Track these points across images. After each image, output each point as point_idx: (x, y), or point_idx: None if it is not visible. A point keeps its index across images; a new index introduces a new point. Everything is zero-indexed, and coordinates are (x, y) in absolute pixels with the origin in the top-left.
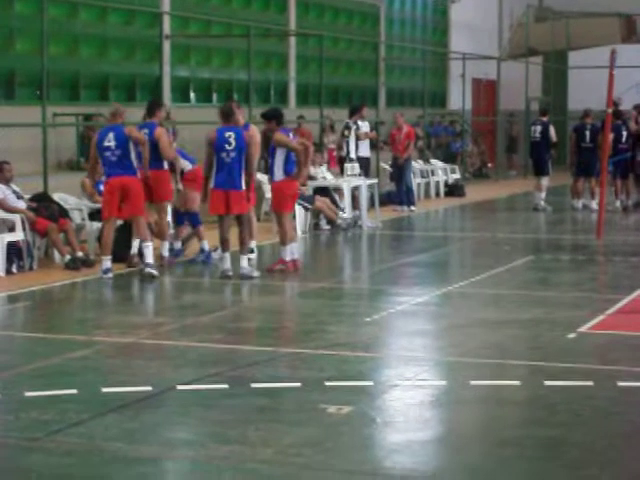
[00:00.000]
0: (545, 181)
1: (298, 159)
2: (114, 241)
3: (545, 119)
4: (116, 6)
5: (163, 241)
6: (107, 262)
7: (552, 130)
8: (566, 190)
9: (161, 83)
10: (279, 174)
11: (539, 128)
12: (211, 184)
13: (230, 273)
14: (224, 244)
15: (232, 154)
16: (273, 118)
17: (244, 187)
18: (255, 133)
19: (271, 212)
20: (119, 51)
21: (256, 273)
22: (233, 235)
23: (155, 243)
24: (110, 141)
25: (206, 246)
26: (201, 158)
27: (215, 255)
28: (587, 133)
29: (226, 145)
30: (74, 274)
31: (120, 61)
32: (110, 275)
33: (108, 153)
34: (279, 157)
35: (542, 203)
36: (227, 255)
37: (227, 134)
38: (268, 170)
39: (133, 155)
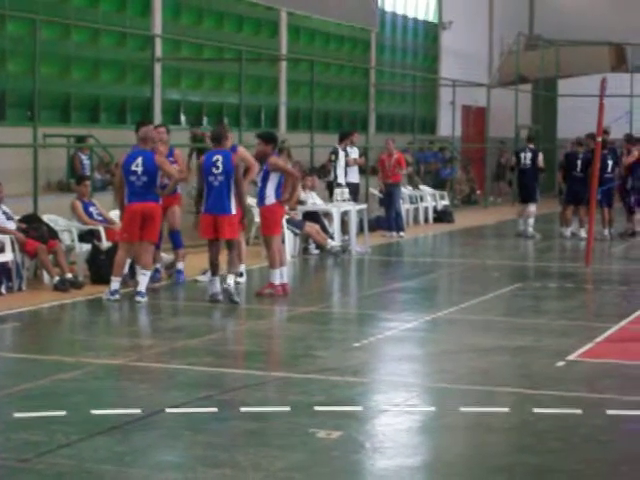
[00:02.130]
0: (533, 207)
1: (293, 183)
2: (103, 263)
3: (533, 146)
4: (108, 28)
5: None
6: (116, 284)
7: (540, 156)
8: (554, 217)
9: (152, 106)
10: (271, 198)
11: (529, 155)
12: (202, 209)
13: (219, 297)
14: (213, 268)
15: (220, 177)
16: (272, 141)
17: (234, 211)
18: (245, 154)
19: (260, 236)
20: (110, 73)
21: (237, 298)
22: (223, 259)
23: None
24: (137, 166)
25: (181, 266)
26: None
27: (204, 278)
28: (578, 162)
29: (213, 169)
30: (63, 295)
31: (111, 83)
32: (117, 297)
33: (133, 178)
34: (272, 181)
35: (531, 230)
36: (216, 279)
37: (214, 158)
38: (257, 193)
39: (158, 183)
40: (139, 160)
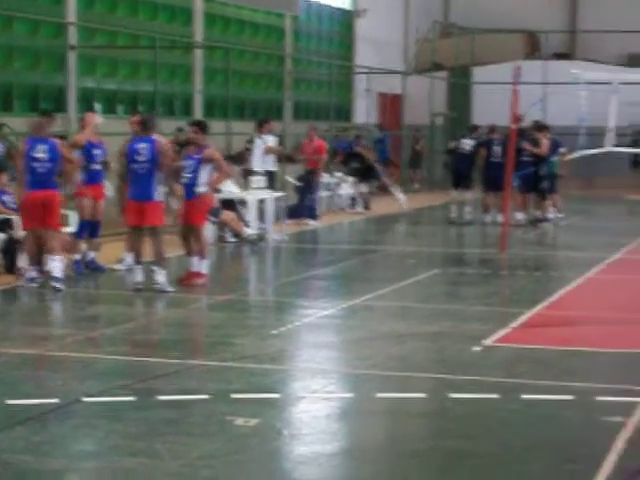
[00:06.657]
0: (469, 195)
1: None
2: (18, 253)
3: (476, 135)
4: (21, 15)
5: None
6: (32, 272)
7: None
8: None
9: (65, 94)
10: (203, 188)
11: (472, 142)
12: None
13: (141, 286)
14: (135, 256)
15: (145, 165)
16: (205, 130)
17: (157, 198)
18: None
19: (180, 225)
20: (24, 61)
21: (170, 288)
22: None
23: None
24: (40, 153)
25: (94, 255)
26: None
27: (120, 267)
28: (495, 148)
29: (137, 156)
30: None
31: (24, 71)
32: (35, 284)
33: (37, 164)
34: (205, 171)
35: (468, 216)
36: (138, 267)
37: (140, 145)
38: (186, 183)
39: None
40: (42, 147)
